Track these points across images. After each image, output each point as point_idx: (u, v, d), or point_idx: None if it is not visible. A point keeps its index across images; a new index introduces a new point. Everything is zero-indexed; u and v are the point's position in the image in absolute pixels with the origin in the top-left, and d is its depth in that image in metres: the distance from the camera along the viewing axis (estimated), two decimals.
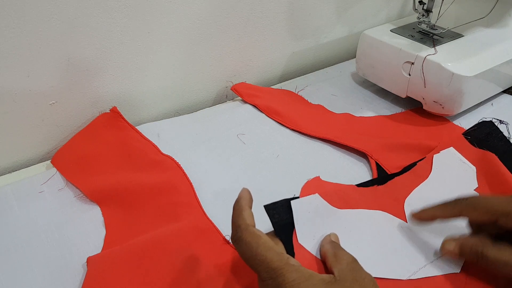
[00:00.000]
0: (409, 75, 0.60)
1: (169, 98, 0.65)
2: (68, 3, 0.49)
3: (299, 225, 0.37)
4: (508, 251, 0.34)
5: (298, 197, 0.39)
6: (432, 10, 0.62)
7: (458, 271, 0.38)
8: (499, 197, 0.37)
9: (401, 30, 0.65)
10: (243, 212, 0.33)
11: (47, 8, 0.48)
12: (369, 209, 0.43)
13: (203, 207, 0.46)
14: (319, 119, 0.61)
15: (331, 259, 0.34)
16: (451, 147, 0.51)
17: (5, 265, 0.40)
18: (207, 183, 0.50)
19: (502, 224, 0.35)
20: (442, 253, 0.38)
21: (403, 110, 0.64)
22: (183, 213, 0.45)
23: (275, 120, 0.61)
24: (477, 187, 0.46)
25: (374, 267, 0.36)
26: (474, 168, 0.49)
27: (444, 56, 0.57)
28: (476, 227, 0.39)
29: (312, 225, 0.38)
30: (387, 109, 0.64)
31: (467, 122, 0.59)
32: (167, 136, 0.57)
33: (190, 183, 0.49)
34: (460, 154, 0.50)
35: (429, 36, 0.63)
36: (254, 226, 0.33)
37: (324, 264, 0.36)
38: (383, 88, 0.66)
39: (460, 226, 0.42)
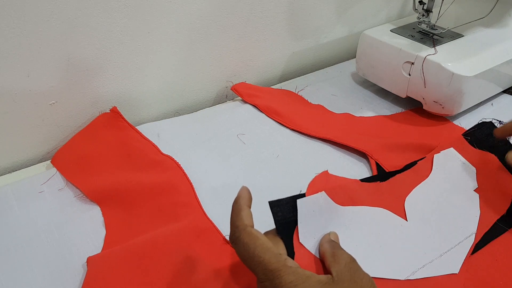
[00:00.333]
0: (409, 75, 0.60)
1: (169, 98, 0.65)
2: (68, 3, 0.49)
3: (302, 224, 0.37)
4: None
5: (304, 194, 0.39)
6: (432, 10, 0.62)
7: (457, 272, 0.38)
8: None
9: (401, 30, 0.65)
10: (241, 212, 0.33)
11: (47, 8, 0.48)
12: (371, 205, 0.43)
13: (203, 207, 0.46)
14: (319, 119, 0.61)
15: (329, 259, 0.34)
16: (451, 148, 0.51)
17: (5, 265, 0.40)
18: (207, 183, 0.50)
19: None
20: (508, 162, 0.47)
21: (403, 110, 0.64)
22: (183, 213, 0.46)
23: (275, 120, 0.61)
24: (477, 188, 0.46)
25: (372, 267, 0.36)
26: (474, 168, 0.49)
27: (444, 56, 0.57)
28: None
29: (315, 224, 0.38)
30: (387, 109, 0.64)
31: (467, 122, 0.59)
32: (167, 136, 0.57)
33: (190, 183, 0.49)
34: (460, 155, 0.50)
35: (429, 36, 0.63)
36: (253, 226, 0.33)
37: (323, 263, 0.36)
38: (383, 88, 0.66)
39: (460, 226, 0.43)
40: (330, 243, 0.36)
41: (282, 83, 0.73)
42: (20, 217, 0.45)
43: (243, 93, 0.66)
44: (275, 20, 0.69)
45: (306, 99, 0.67)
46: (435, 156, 0.50)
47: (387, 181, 0.47)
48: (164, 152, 0.53)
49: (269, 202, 0.37)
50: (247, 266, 0.32)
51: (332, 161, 0.54)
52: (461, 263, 0.39)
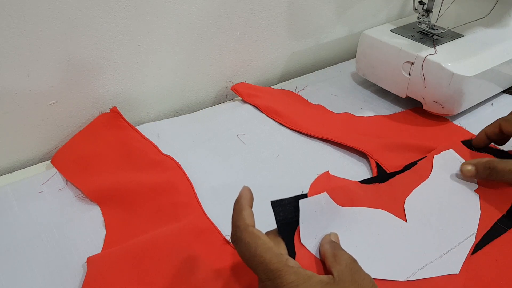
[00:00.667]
0: (409, 75, 0.60)
1: (169, 98, 0.65)
2: (68, 3, 0.49)
3: (304, 224, 0.37)
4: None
5: (306, 194, 0.39)
6: (432, 10, 0.62)
7: (457, 272, 0.38)
8: None
9: (401, 30, 0.65)
10: (243, 211, 0.33)
11: (47, 8, 0.48)
12: (371, 207, 0.43)
13: (203, 207, 0.46)
14: (319, 119, 0.61)
15: (330, 260, 0.34)
16: (451, 149, 0.51)
17: (5, 265, 0.40)
18: (207, 183, 0.50)
19: None
20: (463, 175, 0.46)
21: (403, 110, 0.64)
22: (183, 213, 0.46)
23: (275, 120, 0.61)
24: (477, 188, 0.46)
25: (373, 268, 0.36)
26: None
27: (444, 56, 0.57)
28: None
29: (316, 225, 0.38)
30: (387, 109, 0.64)
31: (467, 122, 0.59)
32: (167, 136, 0.57)
33: (190, 183, 0.49)
34: (459, 156, 0.50)
35: (429, 36, 0.63)
36: (254, 226, 0.33)
37: (323, 264, 0.36)
38: (383, 88, 0.66)
39: (460, 226, 0.43)
40: (331, 244, 0.36)
41: (282, 83, 0.73)
42: (20, 217, 0.45)
43: (243, 93, 0.66)
44: (275, 20, 0.69)
45: (306, 99, 0.67)
46: (435, 157, 0.50)
47: (387, 182, 0.47)
48: (164, 152, 0.53)
49: (271, 201, 0.37)
50: (248, 266, 0.32)
51: (332, 161, 0.54)
52: (462, 264, 0.39)
